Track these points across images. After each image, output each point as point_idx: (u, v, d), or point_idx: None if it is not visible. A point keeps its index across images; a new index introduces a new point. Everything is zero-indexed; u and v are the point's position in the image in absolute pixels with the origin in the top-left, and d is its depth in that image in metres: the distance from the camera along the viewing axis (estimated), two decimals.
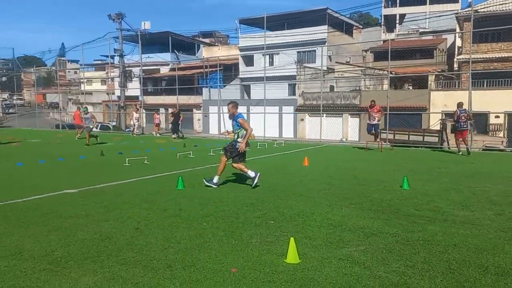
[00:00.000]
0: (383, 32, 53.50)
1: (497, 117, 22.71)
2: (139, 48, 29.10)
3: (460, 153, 13.83)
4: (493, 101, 22.43)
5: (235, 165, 7.86)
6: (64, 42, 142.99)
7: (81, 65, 77.10)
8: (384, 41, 50.20)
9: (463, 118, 13.39)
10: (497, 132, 22.59)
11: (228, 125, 37.99)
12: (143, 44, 51.16)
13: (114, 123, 34.31)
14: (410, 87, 34.46)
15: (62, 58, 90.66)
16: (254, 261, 4.08)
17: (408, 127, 24.45)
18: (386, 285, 3.51)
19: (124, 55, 33.38)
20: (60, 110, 45.99)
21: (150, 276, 3.73)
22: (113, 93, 55.54)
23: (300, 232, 5.02)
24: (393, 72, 33.39)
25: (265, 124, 22.76)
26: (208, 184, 7.81)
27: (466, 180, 8.58)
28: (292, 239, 4.16)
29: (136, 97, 41.04)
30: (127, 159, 11.55)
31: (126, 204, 6.49)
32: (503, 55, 26.97)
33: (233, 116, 7.71)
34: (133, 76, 37.13)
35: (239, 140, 7.62)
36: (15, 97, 72.72)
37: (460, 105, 13.72)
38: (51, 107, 70.29)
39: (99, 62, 75.35)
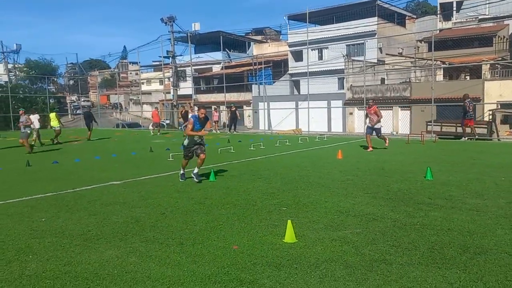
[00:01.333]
0: (439, 21, 51.35)
1: None
2: (189, 49, 30.36)
3: (466, 138, 15.76)
4: None
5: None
6: (126, 45, 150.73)
7: (141, 66, 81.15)
8: (440, 30, 48.27)
9: (471, 108, 15.46)
10: None
11: (275, 119, 38.26)
12: (196, 44, 53.29)
13: (168, 121, 35.98)
14: (468, 77, 33.02)
15: (124, 60, 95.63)
16: (256, 240, 4.59)
17: (458, 119, 23.60)
18: (366, 260, 3.88)
19: (176, 56, 34.89)
20: (121, 110, 48.73)
21: (163, 250, 4.36)
22: (169, 93, 58.12)
23: (306, 217, 5.45)
24: (446, 62, 32.23)
25: (308, 119, 22.97)
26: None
27: (495, 171, 8.49)
28: (289, 221, 4.62)
29: (189, 96, 42.66)
30: (170, 154, 12.43)
31: (159, 193, 7.24)
32: None
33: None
34: (184, 76, 38.66)
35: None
36: (82, 99, 77.88)
37: (467, 96, 15.93)
38: (114, 108, 74.57)
39: (157, 63, 78.80)
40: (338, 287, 3.36)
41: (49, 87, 47.84)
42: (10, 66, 47.81)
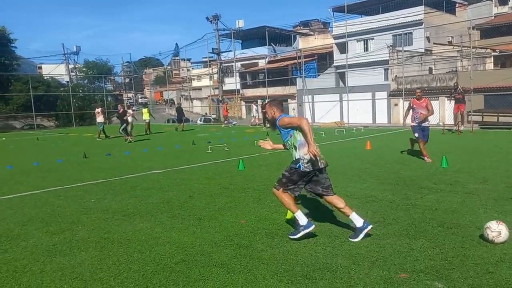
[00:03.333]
0: (495, 6, 48.90)
1: None
2: (233, 45, 31.41)
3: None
4: None
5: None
6: (178, 43, 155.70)
7: (192, 63, 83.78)
8: (496, 15, 46.03)
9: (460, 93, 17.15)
10: None
11: (319, 112, 38.61)
12: (242, 40, 54.46)
13: (214, 116, 37.33)
14: None
15: (176, 57, 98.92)
16: (262, 217, 5.36)
17: (504, 108, 22.89)
18: (350, 232, 4.53)
19: (222, 53, 36.13)
20: (171, 105, 50.88)
21: (184, 224, 5.25)
22: (217, 88, 59.83)
23: (314, 200, 6.12)
24: (497, 50, 30.99)
25: (348, 111, 23.22)
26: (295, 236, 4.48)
27: None
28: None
29: (235, 91, 43.91)
30: (209, 146, 13.44)
31: (191, 180, 8.18)
32: None
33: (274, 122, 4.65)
34: (228, 71, 39.87)
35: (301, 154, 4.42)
36: (139, 96, 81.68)
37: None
38: (167, 103, 77.75)
39: (206, 59, 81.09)
40: (318, 251, 4.06)
41: (106, 86, 50.95)
42: (71, 66, 51.45)
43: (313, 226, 4.37)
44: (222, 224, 5.13)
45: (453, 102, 18.37)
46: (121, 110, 19.20)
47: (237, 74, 47.12)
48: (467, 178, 7.00)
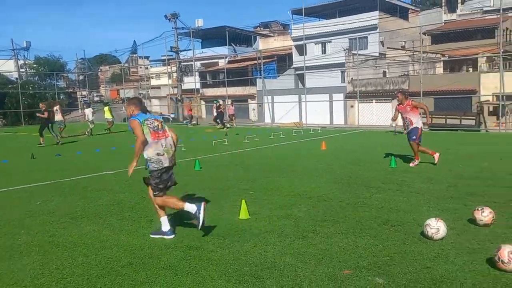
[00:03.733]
0: (445, 13, 51.31)
1: None
2: (192, 44, 31.14)
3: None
4: None
5: None
6: (136, 40, 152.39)
7: (150, 61, 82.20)
8: (445, 22, 48.27)
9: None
10: None
11: (279, 113, 38.80)
12: (203, 39, 54.05)
13: (173, 115, 36.84)
14: (471, 69, 33.25)
15: (134, 55, 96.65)
16: (215, 217, 5.33)
17: (459, 110, 24.05)
18: (299, 231, 4.61)
19: (181, 51, 35.72)
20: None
21: (134, 226, 5.15)
22: (176, 87, 59.08)
23: (267, 199, 6.18)
24: (446, 55, 32.51)
25: (306, 112, 23.61)
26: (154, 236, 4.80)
27: (458, 160, 9.13)
28: (243, 200, 5.37)
29: (195, 90, 43.52)
30: None
31: None
32: None
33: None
34: (188, 71, 39.51)
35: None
36: (94, 94, 79.17)
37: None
38: (124, 102, 75.86)
39: (165, 57, 79.85)
40: (267, 250, 4.10)
41: (58, 83, 49.00)
42: (20, 63, 49.15)
43: (172, 236, 4.63)
44: (173, 226, 5.07)
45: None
46: (43, 107, 17.54)
47: (197, 73, 46.77)
48: (413, 178, 7.29)
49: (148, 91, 65.17)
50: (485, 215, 4.33)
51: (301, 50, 43.55)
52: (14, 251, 4.40)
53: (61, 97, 42.67)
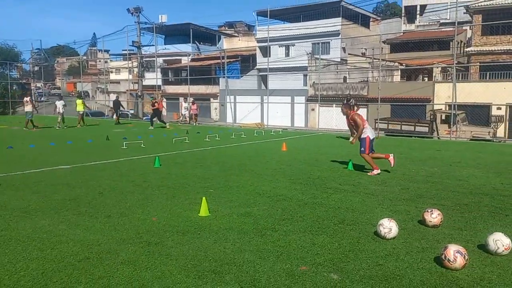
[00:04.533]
0: (404, 23, 53.32)
1: (499, 108, 23.04)
2: (155, 40, 30.69)
3: None
4: (496, 93, 22.79)
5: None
6: (96, 32, 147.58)
7: (110, 55, 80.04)
8: (404, 32, 50.18)
9: None
10: (498, 123, 22.93)
11: (241, 113, 38.92)
12: (166, 35, 53.28)
13: (132, 111, 36.12)
14: (426, 79, 34.75)
15: (93, 48, 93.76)
16: (174, 214, 5.34)
17: (414, 117, 25.07)
18: (258, 229, 4.70)
19: (142, 46, 35.09)
20: (87, 98, 48.28)
21: (91, 221, 5.05)
22: (136, 82, 58.00)
23: (227, 197, 6.24)
24: (403, 64, 33.77)
25: (268, 114, 23.87)
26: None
27: (411, 164, 9.56)
28: (203, 198, 5.40)
29: (156, 87, 42.85)
30: (124, 143, 13.00)
31: (102, 177, 7.87)
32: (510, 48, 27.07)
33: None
34: (150, 66, 38.87)
35: None
36: (49, 86, 76.10)
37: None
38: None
39: (126, 52, 78.07)
40: (227, 247, 4.16)
41: (11, 73, 46.80)
42: None
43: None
44: (132, 221, 5.03)
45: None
46: None
47: (159, 69, 46.06)
48: (368, 180, 7.57)
49: (106, 86, 63.54)
50: (434, 216, 4.59)
51: (265, 51, 43.94)
52: None
53: (14, 87, 40.74)
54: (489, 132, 19.22)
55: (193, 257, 3.89)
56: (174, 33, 51.25)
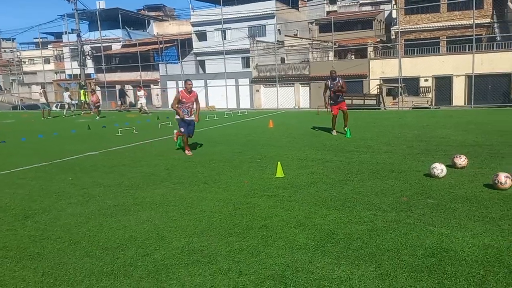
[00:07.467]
0: (326, 4, 56.41)
1: (426, 80, 26.27)
2: (77, 26, 30.38)
3: None
4: (422, 67, 25.94)
5: None
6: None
7: (20, 44, 74.09)
8: (328, 13, 53.28)
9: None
10: (426, 93, 26.15)
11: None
12: (90, 22, 51.07)
13: (75, 101, 34.90)
14: (353, 57, 37.73)
15: None
16: (257, 177, 6.51)
17: (352, 93, 27.55)
18: (336, 181, 6.05)
19: (63, 34, 33.84)
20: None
21: (197, 188, 6.06)
22: (63, 72, 55.41)
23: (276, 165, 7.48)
24: (337, 44, 36.38)
25: (227, 96, 24.87)
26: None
27: (392, 129, 11.46)
28: (279, 162, 6.64)
29: (88, 75, 41.54)
30: (119, 130, 13.50)
31: (145, 157, 8.66)
32: (430, 26, 30.64)
33: None
34: (86, 54, 37.67)
35: None
36: None
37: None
38: None
39: (39, 40, 73.05)
40: (325, 191, 5.47)
41: None
42: None
43: None
44: (228, 186, 6.12)
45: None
46: None
47: (90, 58, 44.46)
48: (374, 143, 9.22)
49: (20, 77, 59.67)
50: (462, 160, 6.28)
51: (201, 36, 44.37)
52: None
53: None
54: (427, 101, 22.14)
55: (315, 199, 5.16)
56: (102, 19, 49.35)
